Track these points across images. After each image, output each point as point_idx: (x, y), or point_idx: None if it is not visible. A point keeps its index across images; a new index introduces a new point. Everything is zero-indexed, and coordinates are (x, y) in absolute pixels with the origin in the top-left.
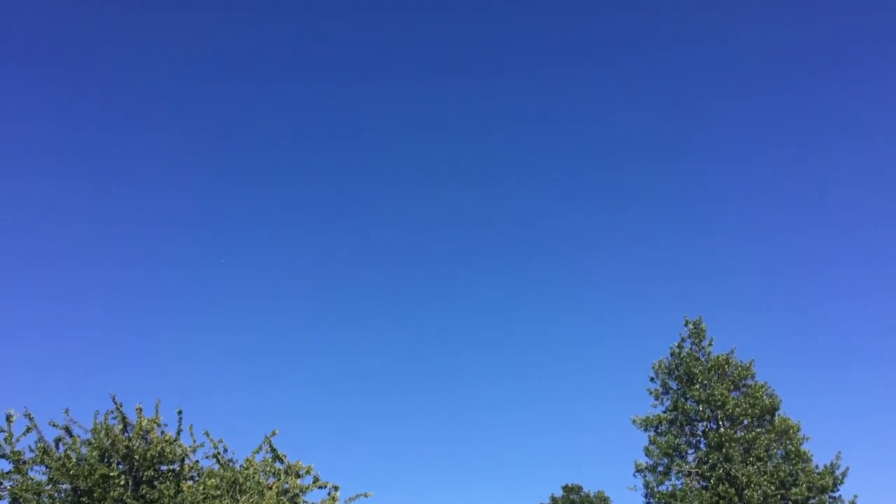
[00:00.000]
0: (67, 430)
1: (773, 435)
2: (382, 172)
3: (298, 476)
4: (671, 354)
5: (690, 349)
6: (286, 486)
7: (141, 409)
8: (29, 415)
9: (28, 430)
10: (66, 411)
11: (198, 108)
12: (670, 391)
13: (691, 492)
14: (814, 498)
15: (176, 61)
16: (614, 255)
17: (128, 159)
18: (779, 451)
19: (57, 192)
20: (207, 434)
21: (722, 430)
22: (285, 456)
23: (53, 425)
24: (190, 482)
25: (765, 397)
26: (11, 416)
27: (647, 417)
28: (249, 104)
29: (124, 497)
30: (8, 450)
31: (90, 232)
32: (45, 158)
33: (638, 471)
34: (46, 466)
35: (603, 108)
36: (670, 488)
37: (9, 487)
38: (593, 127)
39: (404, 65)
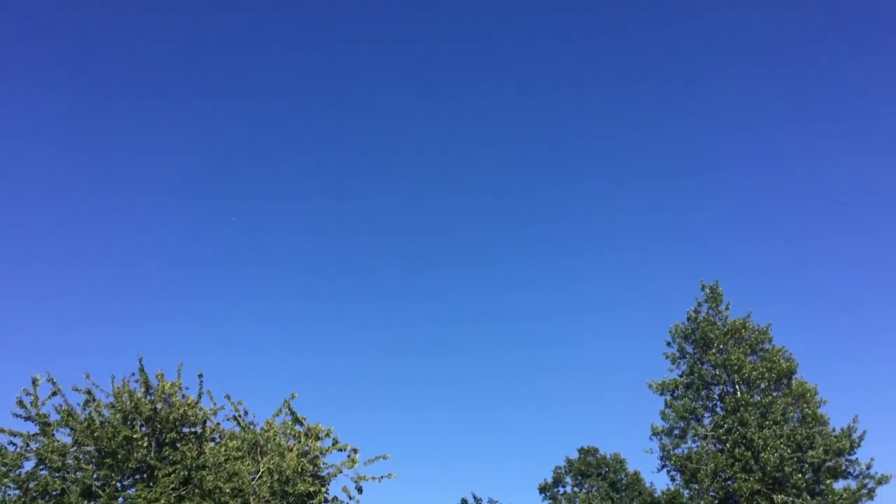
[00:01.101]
0: (90, 394)
1: (789, 398)
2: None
3: (318, 438)
4: (688, 319)
5: (707, 314)
6: (306, 448)
7: (163, 374)
8: (52, 379)
9: (53, 393)
10: (87, 376)
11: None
12: (687, 355)
13: (707, 455)
14: (830, 461)
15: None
16: (631, 222)
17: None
18: (795, 415)
19: (69, 162)
20: (228, 397)
21: (738, 394)
22: (305, 419)
23: (77, 390)
24: (212, 444)
25: (782, 361)
26: (37, 380)
27: (664, 381)
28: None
29: (148, 458)
30: (34, 413)
31: (113, 202)
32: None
33: (654, 434)
34: (71, 429)
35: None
36: (686, 451)
37: (35, 449)
38: (600, 92)
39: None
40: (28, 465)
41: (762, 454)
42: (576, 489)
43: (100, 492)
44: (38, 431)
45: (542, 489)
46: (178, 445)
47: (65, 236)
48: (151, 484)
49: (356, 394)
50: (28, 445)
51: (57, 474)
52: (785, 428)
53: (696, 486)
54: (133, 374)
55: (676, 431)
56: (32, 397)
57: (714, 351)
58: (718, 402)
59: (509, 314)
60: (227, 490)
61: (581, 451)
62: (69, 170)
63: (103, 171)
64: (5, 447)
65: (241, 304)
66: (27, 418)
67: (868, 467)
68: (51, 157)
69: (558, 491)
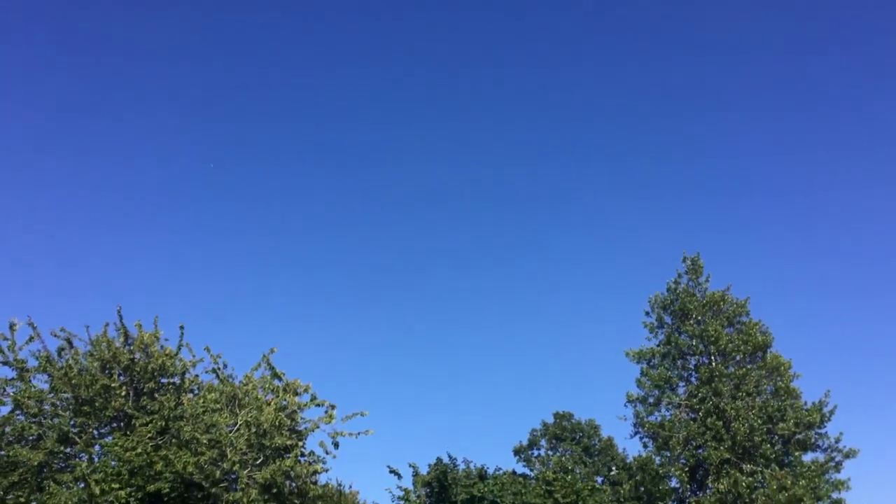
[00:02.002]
0: (69, 342)
1: (763, 371)
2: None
3: (296, 394)
4: (667, 290)
5: (687, 285)
6: (284, 402)
7: (141, 325)
8: (32, 324)
9: (31, 339)
10: (63, 329)
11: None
12: (665, 325)
13: (679, 423)
14: (800, 433)
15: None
16: (617, 203)
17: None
18: (768, 387)
19: (58, 126)
20: (208, 349)
21: (713, 364)
22: (283, 374)
23: (55, 335)
24: (190, 395)
25: (758, 334)
26: (15, 324)
27: (641, 350)
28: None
29: (125, 407)
30: (11, 357)
31: (98, 164)
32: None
33: (629, 401)
34: (49, 375)
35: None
36: (659, 419)
37: (11, 394)
38: (591, 68)
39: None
40: (4, 410)
41: (733, 424)
42: (549, 452)
43: (76, 438)
44: (15, 376)
45: (517, 451)
46: (156, 396)
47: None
48: (129, 433)
49: (334, 351)
50: (4, 390)
51: (33, 420)
52: (757, 400)
53: (668, 454)
54: (109, 324)
55: (651, 399)
56: (10, 342)
57: (692, 322)
58: (693, 372)
59: (493, 287)
60: (205, 441)
61: (556, 415)
62: (62, 137)
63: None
64: None
65: (225, 263)
66: (4, 363)
67: (837, 441)
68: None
69: (532, 454)
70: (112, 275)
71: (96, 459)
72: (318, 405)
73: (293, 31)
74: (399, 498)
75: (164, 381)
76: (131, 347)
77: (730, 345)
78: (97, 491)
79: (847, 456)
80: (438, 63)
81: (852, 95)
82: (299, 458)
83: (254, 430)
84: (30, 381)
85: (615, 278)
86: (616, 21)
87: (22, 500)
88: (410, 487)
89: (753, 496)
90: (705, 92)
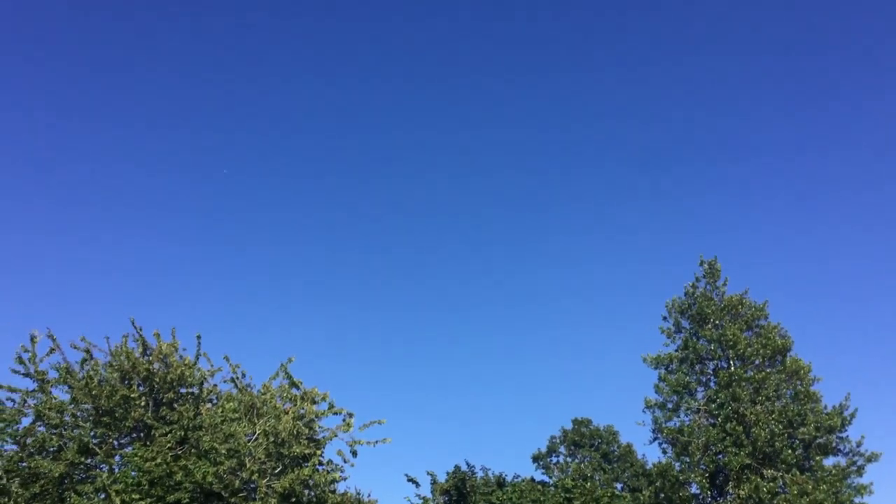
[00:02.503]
0: (88, 353)
1: (783, 375)
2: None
3: (314, 402)
4: (685, 294)
5: (704, 289)
6: (302, 411)
7: (159, 335)
8: (52, 336)
9: (51, 350)
10: (84, 338)
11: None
12: (682, 330)
13: (699, 428)
14: (821, 437)
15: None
16: (634, 207)
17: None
18: (788, 392)
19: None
20: (227, 359)
21: (732, 369)
22: (301, 382)
23: (75, 347)
24: (209, 405)
25: (777, 338)
26: (35, 336)
27: (659, 356)
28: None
29: (145, 418)
30: (32, 369)
31: (112, 174)
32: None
33: (647, 407)
34: (69, 386)
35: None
36: (678, 425)
37: (33, 405)
38: (603, 80)
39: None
40: (26, 421)
41: (753, 429)
42: (568, 459)
43: (97, 449)
44: (36, 388)
45: (536, 458)
46: (175, 406)
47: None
48: (148, 443)
49: (353, 360)
50: (26, 401)
51: (54, 431)
52: (777, 404)
53: (687, 459)
54: (128, 335)
55: (669, 405)
56: (31, 354)
57: (710, 326)
58: (712, 377)
59: (510, 294)
60: (223, 451)
61: (575, 421)
62: (75, 149)
63: (127, 146)
64: (3, 402)
65: (240, 273)
66: (25, 375)
67: (858, 445)
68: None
69: (551, 460)
70: (130, 285)
71: (117, 470)
72: (335, 414)
73: (298, 38)
74: None
75: (183, 391)
76: (150, 358)
77: (748, 349)
78: (118, 501)
79: (869, 460)
80: (443, 69)
81: (872, 95)
82: (317, 466)
83: (272, 439)
84: (50, 392)
85: (632, 283)
86: (625, 23)
87: None
88: (429, 496)
89: (775, 502)
90: (721, 93)
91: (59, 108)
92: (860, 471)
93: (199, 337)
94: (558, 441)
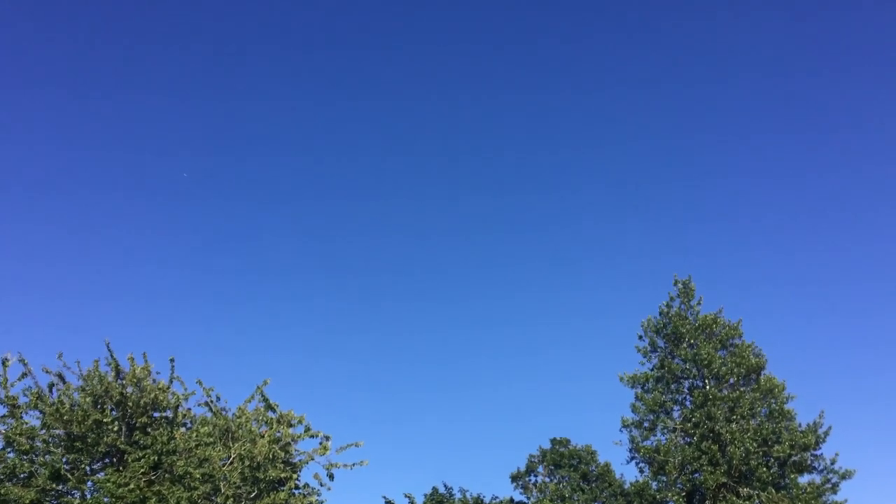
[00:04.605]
0: (60, 377)
1: (758, 394)
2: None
3: (290, 425)
4: (660, 313)
5: (679, 308)
6: (278, 434)
7: (133, 358)
8: (23, 360)
9: (23, 375)
10: (60, 356)
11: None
12: (658, 349)
13: (675, 447)
14: (796, 455)
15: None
16: (617, 222)
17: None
18: (763, 410)
19: (63, 160)
20: (200, 382)
21: (707, 388)
22: (277, 405)
23: (47, 371)
24: (183, 429)
25: (751, 357)
26: (7, 360)
27: (635, 375)
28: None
29: (118, 443)
30: (2, 394)
31: (99, 200)
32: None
33: (624, 426)
34: (40, 412)
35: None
36: (655, 444)
37: (3, 431)
38: (599, 96)
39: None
40: None
41: (729, 448)
42: (546, 479)
43: (69, 475)
44: (6, 413)
45: (514, 478)
46: (149, 430)
47: (54, 232)
48: (121, 468)
49: (330, 382)
50: None
51: (25, 457)
52: (752, 422)
53: (664, 479)
54: (101, 358)
55: (646, 424)
56: (2, 378)
57: (685, 345)
58: (688, 396)
59: (486, 314)
60: (198, 476)
61: (553, 441)
62: (62, 168)
63: (98, 169)
64: None
65: (208, 290)
66: None
67: (833, 462)
68: (45, 153)
69: (530, 480)
70: (100, 308)
71: (89, 496)
72: (312, 437)
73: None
74: None
75: (157, 415)
76: (123, 381)
77: (723, 368)
78: None
79: (843, 477)
80: (425, 78)
81: (845, 114)
82: (294, 490)
83: (248, 463)
84: (21, 417)
85: (610, 302)
86: (608, 37)
87: None
88: None
89: None
90: (696, 111)
91: (27, 123)
92: (835, 488)
93: (172, 360)
94: (537, 461)
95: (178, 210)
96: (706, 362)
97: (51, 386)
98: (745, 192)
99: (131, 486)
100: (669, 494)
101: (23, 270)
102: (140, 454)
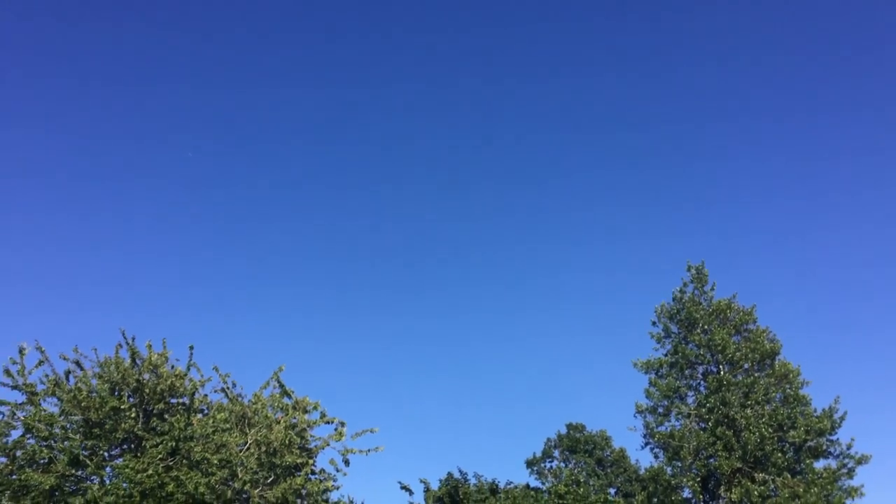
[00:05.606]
0: (78, 364)
1: (772, 379)
2: None
3: (306, 411)
4: (673, 299)
5: (692, 294)
6: (294, 420)
7: (151, 345)
8: (40, 348)
9: (40, 362)
10: (76, 349)
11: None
12: (671, 335)
13: (689, 433)
14: (811, 441)
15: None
16: (625, 211)
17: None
18: (778, 395)
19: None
20: (216, 369)
21: (722, 373)
22: (293, 391)
23: (64, 358)
24: (200, 415)
25: (766, 342)
26: (24, 349)
27: (649, 361)
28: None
29: (135, 429)
30: (21, 381)
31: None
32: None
33: (638, 412)
34: (58, 399)
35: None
36: (669, 429)
37: (22, 418)
38: (598, 83)
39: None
40: (15, 434)
41: (744, 433)
42: (561, 465)
43: (87, 461)
44: (25, 400)
45: (530, 463)
46: (166, 416)
47: (63, 220)
48: (139, 454)
49: (345, 369)
50: (15, 414)
51: (44, 443)
52: (767, 408)
53: (679, 464)
54: (121, 345)
55: (660, 410)
56: (19, 366)
57: (699, 331)
58: (702, 382)
59: (503, 301)
60: (215, 461)
61: (569, 426)
62: (64, 158)
63: (99, 159)
64: None
65: (227, 281)
66: (14, 387)
67: (848, 447)
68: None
69: (545, 465)
70: (118, 295)
71: (108, 482)
72: (327, 423)
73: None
74: None
75: (174, 401)
76: (140, 368)
77: (737, 353)
78: None
79: (859, 462)
80: (429, 70)
81: (857, 96)
82: (310, 476)
83: (264, 449)
84: (39, 404)
85: (624, 288)
86: (616, 26)
87: None
88: (422, 503)
89: None
90: (706, 95)
91: (44, 115)
92: (851, 473)
93: (191, 347)
94: (553, 445)
95: (192, 197)
96: (720, 348)
97: (67, 373)
98: (760, 176)
99: (149, 471)
100: (684, 480)
101: (38, 259)
102: (157, 440)
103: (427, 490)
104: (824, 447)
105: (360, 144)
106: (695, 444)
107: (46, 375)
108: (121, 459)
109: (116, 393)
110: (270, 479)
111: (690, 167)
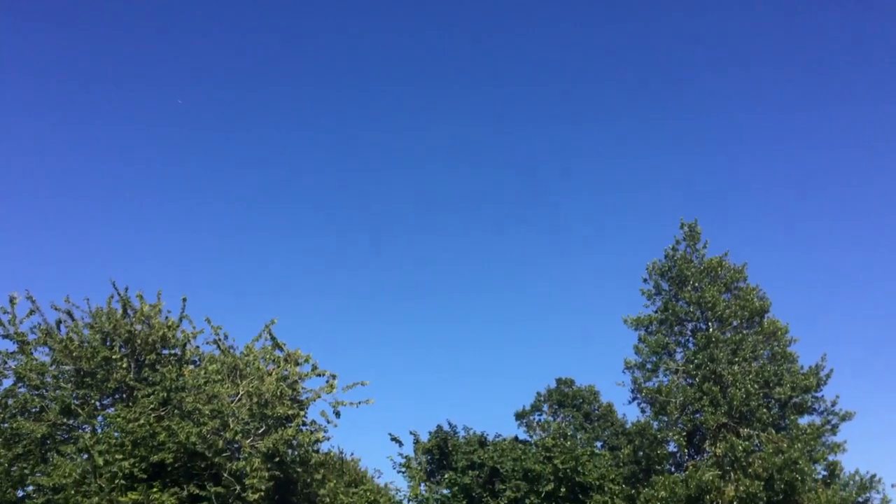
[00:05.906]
0: (69, 314)
1: (760, 336)
2: None
3: (297, 364)
4: (665, 256)
5: (684, 252)
6: (285, 372)
7: (142, 296)
8: (31, 297)
9: (31, 312)
10: (67, 299)
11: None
12: (662, 292)
13: (677, 388)
14: (796, 397)
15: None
16: (617, 164)
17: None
18: (765, 352)
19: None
20: (208, 321)
21: (710, 330)
22: (284, 344)
23: (55, 308)
24: (191, 367)
25: (755, 300)
26: (14, 298)
27: (639, 317)
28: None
29: (127, 379)
30: (11, 331)
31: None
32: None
33: (627, 368)
34: (50, 348)
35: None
36: (657, 385)
37: (13, 367)
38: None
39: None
40: (7, 383)
41: (730, 389)
42: (550, 419)
43: (79, 410)
44: (16, 349)
45: (519, 416)
46: (158, 367)
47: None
48: (131, 404)
49: (336, 321)
50: (6, 363)
51: (36, 392)
52: (754, 364)
53: (666, 419)
54: (113, 297)
55: (648, 365)
56: (10, 315)
57: (689, 288)
58: (691, 338)
59: (494, 253)
60: (207, 412)
61: (558, 381)
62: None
63: (105, 102)
64: None
65: (222, 234)
66: (5, 336)
67: (833, 404)
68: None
69: (534, 419)
70: (113, 247)
71: (99, 431)
72: (319, 375)
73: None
74: (400, 465)
75: (166, 352)
76: (132, 319)
77: (727, 311)
78: (101, 462)
79: (843, 419)
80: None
81: (849, 55)
82: (301, 427)
83: (255, 400)
84: (31, 353)
85: (615, 244)
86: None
87: (26, 471)
88: (412, 455)
89: (750, 459)
90: (699, 51)
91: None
92: (834, 429)
93: (184, 299)
94: (542, 399)
95: (182, 142)
96: (710, 305)
97: (58, 323)
98: (752, 134)
99: (141, 421)
100: (670, 434)
101: (28, 205)
102: (149, 390)
103: (417, 442)
104: (809, 404)
105: (352, 84)
106: (681, 399)
107: (38, 325)
108: (112, 409)
109: (108, 343)
110: (262, 429)
111: (686, 123)
